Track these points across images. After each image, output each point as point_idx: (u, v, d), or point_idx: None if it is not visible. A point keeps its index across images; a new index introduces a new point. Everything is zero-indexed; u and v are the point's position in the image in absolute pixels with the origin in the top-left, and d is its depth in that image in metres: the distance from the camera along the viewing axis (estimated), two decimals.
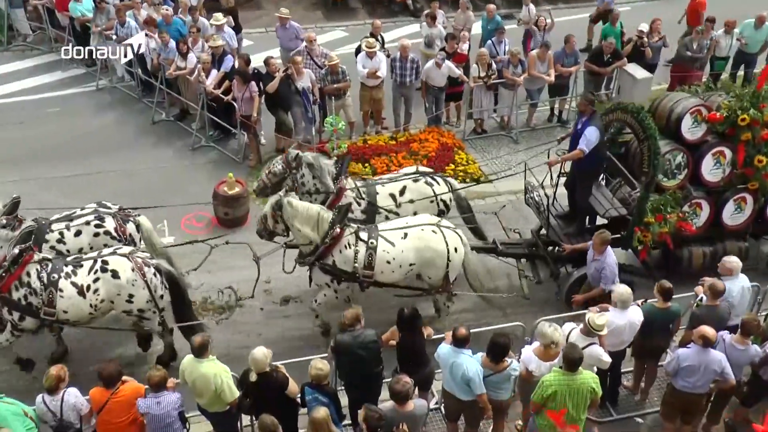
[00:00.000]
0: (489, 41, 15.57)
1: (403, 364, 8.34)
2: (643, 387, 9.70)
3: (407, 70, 14.48)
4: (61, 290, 9.17)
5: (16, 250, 9.08)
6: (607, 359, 8.19)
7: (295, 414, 8.07)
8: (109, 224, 10.17)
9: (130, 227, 10.30)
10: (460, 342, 7.89)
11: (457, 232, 10.14)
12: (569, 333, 8.28)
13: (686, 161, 10.83)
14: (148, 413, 7.52)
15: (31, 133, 15.05)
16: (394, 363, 8.50)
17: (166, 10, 15.82)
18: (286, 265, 10.09)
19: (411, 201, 10.71)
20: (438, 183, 11.01)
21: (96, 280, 9.25)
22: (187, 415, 7.99)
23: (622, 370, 9.58)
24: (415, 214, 10.61)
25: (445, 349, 8.05)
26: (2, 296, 9.13)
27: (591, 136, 10.21)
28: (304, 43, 14.84)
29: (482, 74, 14.63)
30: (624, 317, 8.57)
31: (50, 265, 9.31)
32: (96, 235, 10.08)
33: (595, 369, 8.17)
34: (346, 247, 9.70)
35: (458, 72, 14.57)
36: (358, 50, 15.02)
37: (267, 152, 14.33)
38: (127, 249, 9.59)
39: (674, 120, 10.85)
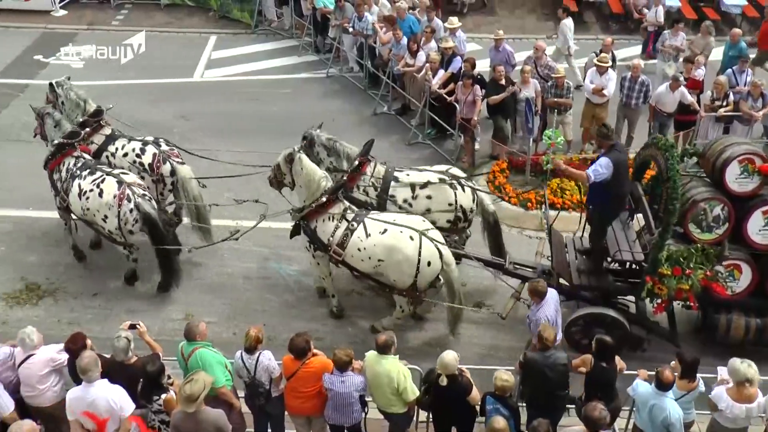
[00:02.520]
0: (729, 69, 14.54)
1: (591, 394, 7.98)
2: None
3: (635, 92, 13.91)
4: (71, 187, 10.74)
5: (57, 141, 10.97)
6: None
7: (472, 421, 7.99)
8: (147, 158, 11.26)
9: (166, 168, 11.27)
10: (664, 386, 7.47)
11: (438, 248, 9.69)
12: None
13: (727, 215, 9.45)
14: (332, 389, 7.77)
15: (263, 110, 16.18)
16: (579, 390, 8.20)
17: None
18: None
19: (429, 197, 10.54)
20: (463, 190, 10.60)
21: (91, 190, 10.52)
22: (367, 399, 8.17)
23: None
24: (428, 211, 10.49)
25: (644, 389, 7.66)
26: (50, 174, 11.15)
27: (601, 165, 9.32)
28: (532, 51, 14.67)
29: (716, 103, 13.67)
30: None
31: (81, 164, 10.88)
32: (133, 162, 11.28)
33: None
34: (330, 219, 9.96)
35: (690, 98, 13.71)
36: (589, 65, 14.62)
37: (481, 157, 14.36)
38: (130, 178, 10.69)
39: (718, 166, 9.51)
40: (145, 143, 11.47)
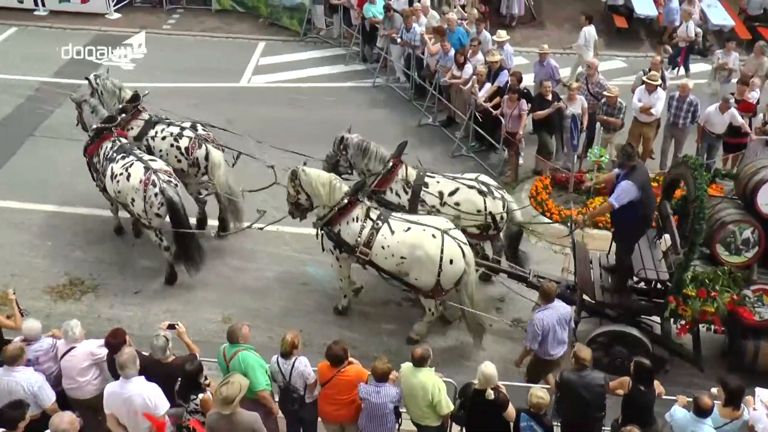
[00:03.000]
0: None
1: (627, 418, 7.85)
2: None
3: (683, 111, 13.65)
4: (106, 170, 11.28)
5: (96, 126, 11.59)
6: None
7: None
8: (183, 142, 11.75)
9: (201, 152, 11.72)
10: (703, 412, 7.29)
11: (461, 247, 9.78)
12: None
13: (758, 239, 9.20)
14: (367, 399, 7.74)
15: (308, 117, 16.26)
16: (616, 413, 8.07)
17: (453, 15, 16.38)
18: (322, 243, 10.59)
19: (457, 204, 10.57)
20: (493, 198, 10.63)
21: (120, 174, 11.04)
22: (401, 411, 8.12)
23: None
24: (458, 218, 10.45)
25: (682, 414, 7.48)
26: (88, 158, 11.74)
27: (622, 190, 9.24)
28: (584, 67, 14.55)
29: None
30: None
31: (117, 147, 11.39)
32: (171, 146, 11.78)
33: None
34: (354, 220, 10.07)
35: (741, 120, 13.44)
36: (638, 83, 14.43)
37: (524, 172, 14.29)
38: (158, 164, 11.14)
39: (750, 189, 9.29)
40: (182, 128, 11.91)
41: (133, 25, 20.83)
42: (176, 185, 11.12)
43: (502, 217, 10.74)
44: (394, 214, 10.24)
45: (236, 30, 20.77)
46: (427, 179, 10.88)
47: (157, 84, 17.20)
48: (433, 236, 9.76)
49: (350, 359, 8.02)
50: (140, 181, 10.88)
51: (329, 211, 10.13)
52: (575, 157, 13.61)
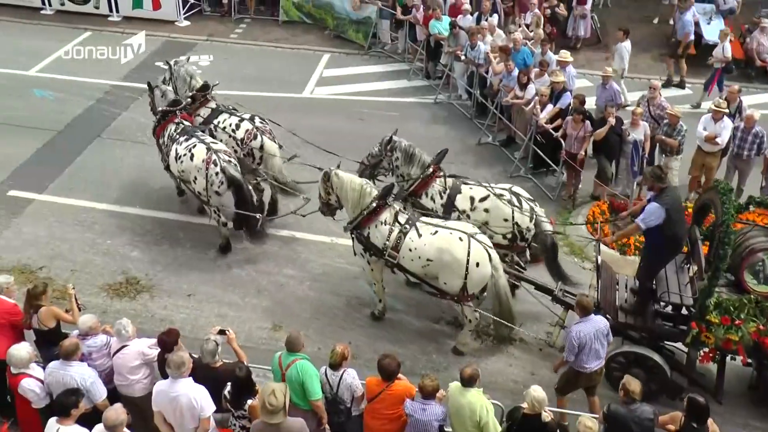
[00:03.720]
0: None
1: None
2: None
3: (747, 143, 13.25)
4: (170, 150, 12.00)
5: (162, 109, 12.39)
6: None
7: None
8: (239, 133, 12.42)
9: (255, 143, 12.38)
10: None
11: (488, 250, 9.89)
12: None
13: None
14: (413, 416, 7.68)
15: (367, 130, 16.13)
16: None
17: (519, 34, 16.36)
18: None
19: (486, 210, 10.69)
20: (521, 209, 10.66)
21: (185, 154, 11.74)
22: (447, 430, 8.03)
23: None
24: (486, 224, 10.58)
25: None
26: (156, 138, 12.56)
27: (649, 213, 9.11)
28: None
29: None
30: None
31: (180, 129, 12.18)
32: (229, 135, 12.45)
33: None
34: (383, 223, 10.22)
35: None
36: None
37: (581, 196, 14.05)
38: (219, 146, 11.84)
39: None
40: (241, 119, 12.51)
41: (202, 33, 21.32)
42: (236, 165, 11.74)
43: (528, 229, 10.75)
44: (422, 218, 10.40)
45: (302, 41, 21.03)
46: (462, 187, 11.01)
47: (220, 92, 17.48)
48: (460, 239, 9.88)
49: (399, 375, 7.97)
50: (203, 161, 11.53)
51: (358, 215, 10.31)
52: (635, 183, 13.37)
